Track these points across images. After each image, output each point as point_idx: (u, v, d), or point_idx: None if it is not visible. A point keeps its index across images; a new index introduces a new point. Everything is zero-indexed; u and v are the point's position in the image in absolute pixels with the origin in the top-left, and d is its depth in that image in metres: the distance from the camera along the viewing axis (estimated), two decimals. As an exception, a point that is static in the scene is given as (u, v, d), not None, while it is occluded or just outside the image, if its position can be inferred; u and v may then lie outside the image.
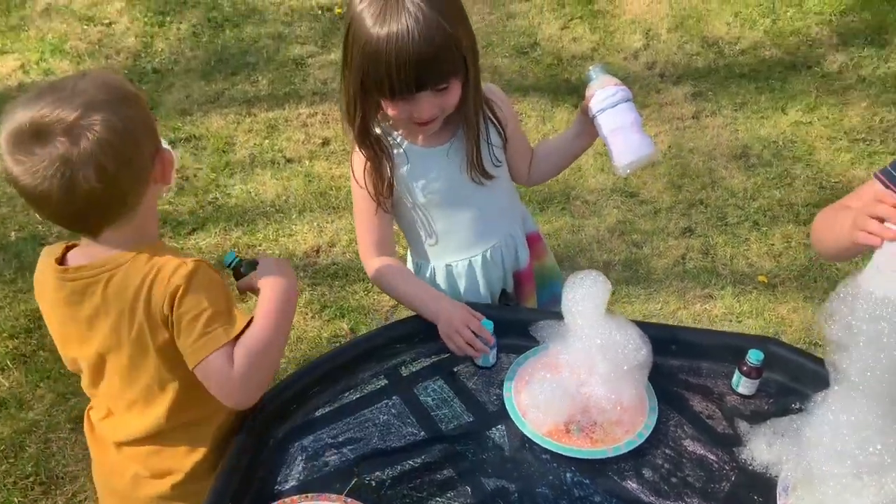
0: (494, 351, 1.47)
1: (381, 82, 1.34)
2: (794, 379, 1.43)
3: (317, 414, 1.41)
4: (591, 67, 1.53)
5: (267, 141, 3.72)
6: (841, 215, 1.24)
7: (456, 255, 1.65)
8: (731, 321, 2.65)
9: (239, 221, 3.27)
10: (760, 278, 2.88)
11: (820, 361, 1.44)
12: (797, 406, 1.38)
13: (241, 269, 1.39)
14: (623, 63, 4.22)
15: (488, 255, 1.66)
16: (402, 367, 1.49)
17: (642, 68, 4.18)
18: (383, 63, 1.31)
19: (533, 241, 1.77)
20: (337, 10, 4.58)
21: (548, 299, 1.80)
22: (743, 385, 1.40)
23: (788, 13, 4.47)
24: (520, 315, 1.58)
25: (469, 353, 1.47)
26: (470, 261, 1.65)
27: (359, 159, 1.53)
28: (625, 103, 1.48)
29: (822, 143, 3.61)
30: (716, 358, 1.47)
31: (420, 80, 1.34)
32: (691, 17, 4.48)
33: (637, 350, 1.34)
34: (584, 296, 1.38)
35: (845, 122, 3.73)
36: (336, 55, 4.27)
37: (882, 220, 1.01)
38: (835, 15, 4.40)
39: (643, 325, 1.40)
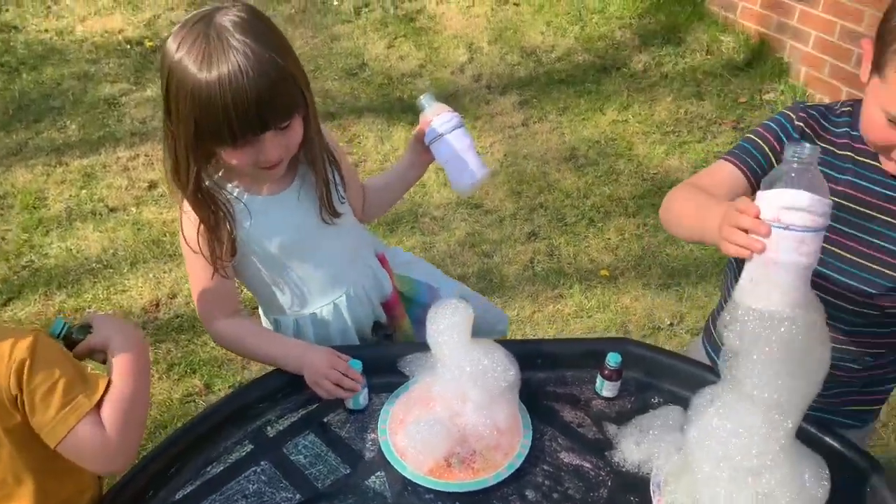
0: (365, 392, 1.42)
1: (220, 129, 1.23)
2: (650, 374, 1.50)
3: (178, 497, 1.28)
4: (421, 97, 1.54)
5: (84, 191, 3.41)
6: (704, 209, 1.21)
7: (319, 301, 1.56)
8: (582, 318, 2.78)
9: (61, 283, 2.96)
10: (603, 272, 3.04)
11: (670, 354, 1.53)
12: (656, 400, 1.46)
13: (74, 335, 1.24)
14: (451, 77, 4.32)
15: (352, 292, 1.59)
16: (268, 427, 1.40)
17: (470, 81, 4.30)
18: (220, 107, 1.20)
19: (382, 263, 1.73)
20: (148, 44, 4.31)
21: (419, 313, 1.75)
22: (606, 388, 1.45)
23: (594, 19, 4.79)
24: (386, 351, 1.54)
25: (340, 396, 1.40)
26: (334, 304, 1.57)
27: (190, 222, 1.39)
28: (459, 129, 1.51)
29: (639, 138, 3.90)
30: (579, 365, 1.51)
31: (262, 118, 1.24)
32: (508, 28, 4.68)
33: (506, 371, 1.35)
34: (447, 325, 1.37)
35: (655, 116, 4.05)
36: (153, 91, 4.01)
37: (747, 231, 1.01)
38: (634, 18, 4.78)
39: (508, 344, 1.41)
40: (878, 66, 1.06)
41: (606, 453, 1.35)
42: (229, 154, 1.31)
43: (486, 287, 2.94)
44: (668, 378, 1.49)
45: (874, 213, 1.19)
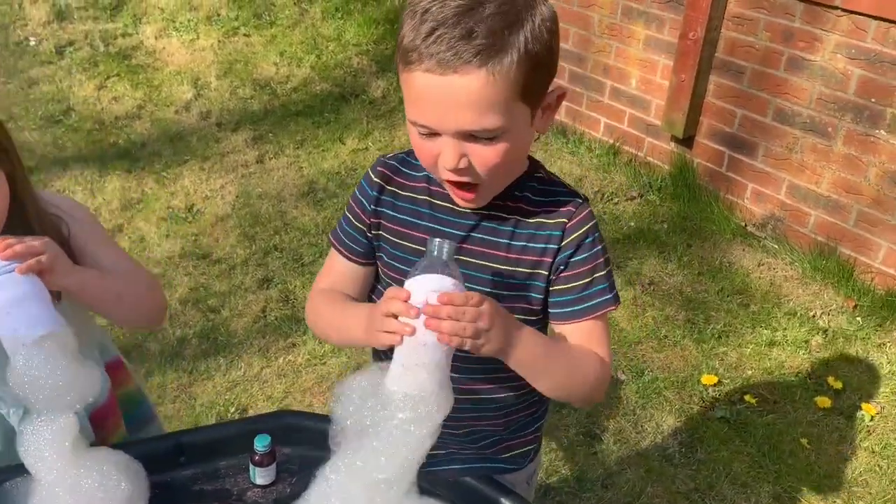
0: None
1: None
2: (316, 446, 1.35)
3: None
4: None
5: None
6: (346, 313, 1.19)
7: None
8: (315, 365, 2.62)
9: None
10: (340, 312, 2.91)
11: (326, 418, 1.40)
12: (319, 477, 1.32)
13: None
14: (175, 117, 3.99)
15: None
16: None
17: (197, 119, 4.01)
18: None
19: (114, 369, 1.47)
20: None
21: (134, 425, 1.52)
22: (259, 475, 1.28)
23: (330, 47, 4.71)
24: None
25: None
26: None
27: None
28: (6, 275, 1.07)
29: (379, 165, 3.84)
30: (232, 452, 1.33)
31: None
32: (238, 61, 4.44)
33: (117, 486, 1.13)
34: (44, 442, 1.12)
35: (395, 142, 4.03)
36: None
37: (396, 316, 0.99)
38: (370, 45, 4.77)
39: (135, 447, 1.20)
40: (400, 82, 1.04)
41: (251, 555, 1.18)
42: None
43: (210, 348, 2.67)
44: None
45: (456, 256, 1.14)
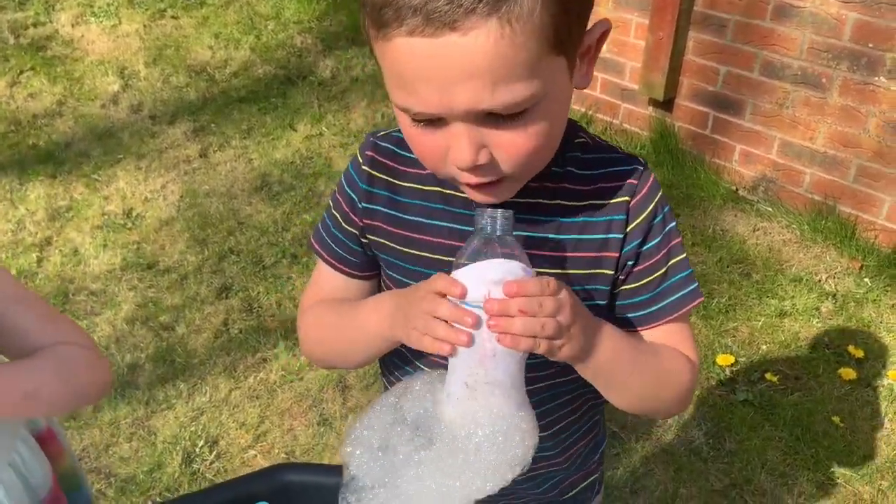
0: None
1: None
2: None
3: None
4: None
5: None
6: (354, 313, 0.91)
7: None
8: (291, 382, 2.30)
9: None
10: (313, 318, 2.60)
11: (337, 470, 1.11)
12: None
13: None
14: (102, 112, 3.57)
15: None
16: None
17: (127, 113, 3.59)
18: None
19: (44, 441, 1.14)
20: None
21: None
22: (258, 558, 0.99)
23: (269, 26, 4.32)
24: None
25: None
26: None
27: None
28: None
29: (337, 151, 3.52)
30: (218, 528, 1.03)
31: None
32: (169, 46, 4.02)
33: None
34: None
35: (352, 125, 3.70)
36: None
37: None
38: (313, 22, 4.40)
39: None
40: (375, 57, 0.74)
41: None
42: None
43: (167, 372, 2.33)
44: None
45: None
